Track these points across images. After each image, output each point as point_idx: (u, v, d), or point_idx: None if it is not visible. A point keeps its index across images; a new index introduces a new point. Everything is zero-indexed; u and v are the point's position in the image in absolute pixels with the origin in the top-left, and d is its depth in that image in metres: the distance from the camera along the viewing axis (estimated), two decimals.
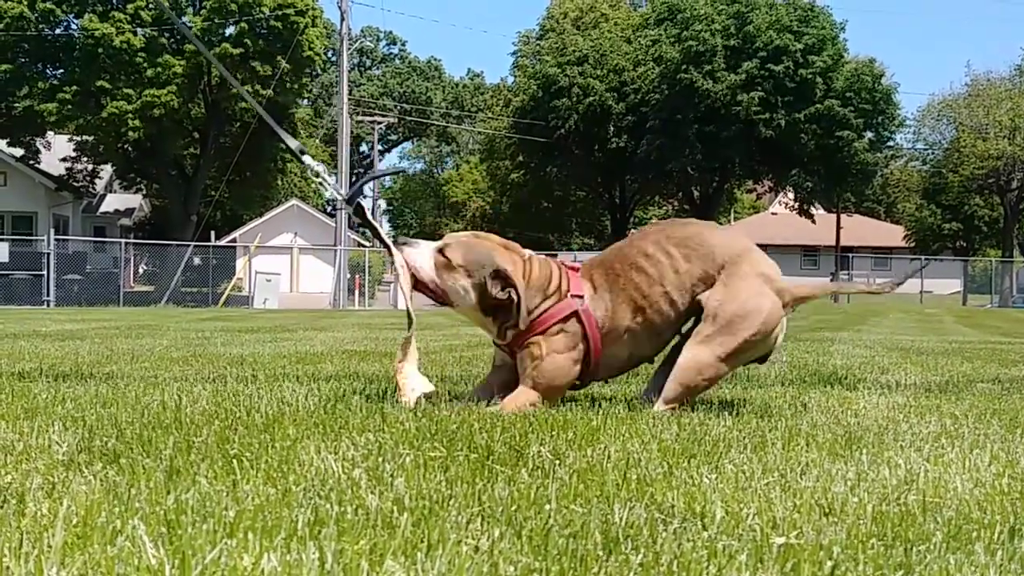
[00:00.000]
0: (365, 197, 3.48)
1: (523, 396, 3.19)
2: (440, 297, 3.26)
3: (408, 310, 3.23)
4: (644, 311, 3.26)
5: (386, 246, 3.26)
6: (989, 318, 20.72)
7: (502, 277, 3.18)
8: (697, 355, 3.20)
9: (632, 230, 50.78)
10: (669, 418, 2.96)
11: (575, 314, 3.22)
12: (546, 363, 3.19)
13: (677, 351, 3.34)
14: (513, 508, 1.74)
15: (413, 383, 3.19)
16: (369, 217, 3.32)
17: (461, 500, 1.79)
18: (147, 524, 1.55)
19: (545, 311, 3.21)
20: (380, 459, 2.16)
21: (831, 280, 30.83)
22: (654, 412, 3.11)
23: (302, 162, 3.54)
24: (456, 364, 5.19)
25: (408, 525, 1.58)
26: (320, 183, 3.56)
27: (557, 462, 2.20)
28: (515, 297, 3.16)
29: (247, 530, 1.51)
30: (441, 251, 3.25)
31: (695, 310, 3.29)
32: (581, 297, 3.25)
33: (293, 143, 3.57)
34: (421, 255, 3.25)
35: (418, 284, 3.25)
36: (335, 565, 1.36)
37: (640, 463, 2.21)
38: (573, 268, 3.35)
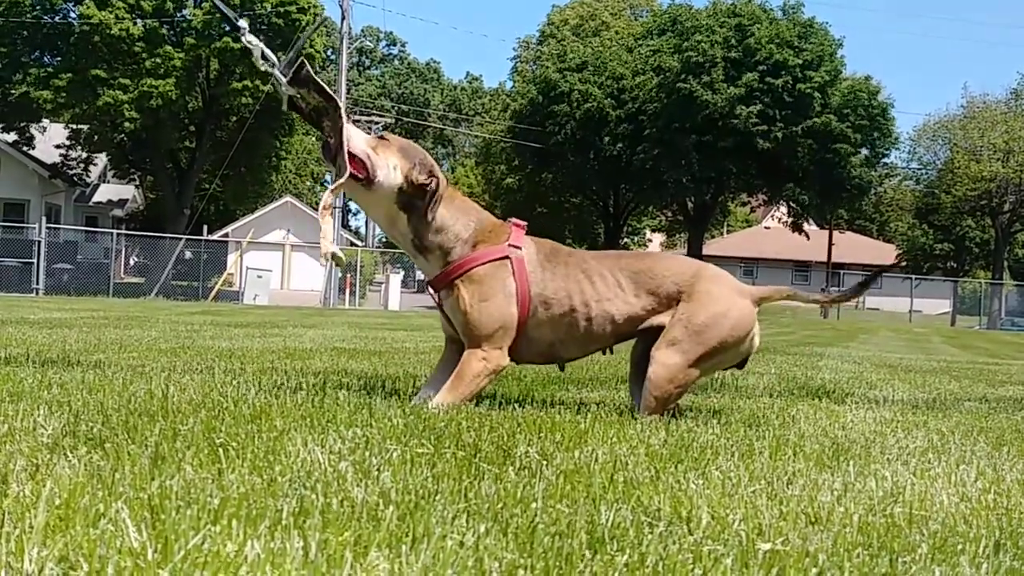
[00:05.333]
0: (301, 61, 3.25)
1: (470, 359, 3.17)
2: (361, 171, 3.16)
3: (344, 161, 3.10)
4: (575, 310, 3.25)
5: (333, 102, 3.14)
6: (977, 339, 20.81)
7: (429, 167, 3.20)
8: (666, 362, 3.19)
9: (625, 240, 50.85)
10: (657, 424, 2.96)
11: (507, 258, 3.22)
12: (475, 312, 3.16)
13: (644, 354, 3.32)
14: (499, 505, 1.73)
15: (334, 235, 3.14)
16: (317, 79, 3.15)
17: (447, 496, 1.78)
18: (131, 508, 1.54)
19: (478, 252, 3.21)
20: (367, 453, 2.15)
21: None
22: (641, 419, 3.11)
23: (238, 29, 3.39)
24: None
25: (393, 518, 1.57)
26: (266, 68, 3.32)
27: (544, 462, 2.20)
28: (435, 186, 3.16)
29: (231, 517, 1.50)
30: (381, 136, 3.28)
31: (638, 334, 3.32)
32: (519, 248, 3.25)
33: (231, 13, 3.50)
34: (358, 130, 3.22)
35: (348, 159, 3.14)
36: (319, 555, 1.36)
37: (627, 466, 2.21)
38: (520, 225, 3.34)
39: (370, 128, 56.54)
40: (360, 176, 3.16)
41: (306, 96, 3.17)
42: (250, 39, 3.35)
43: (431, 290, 3.34)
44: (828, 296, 3.80)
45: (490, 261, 3.20)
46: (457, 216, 3.25)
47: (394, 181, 3.18)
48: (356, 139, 3.17)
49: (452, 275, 3.21)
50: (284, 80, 3.17)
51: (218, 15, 30.92)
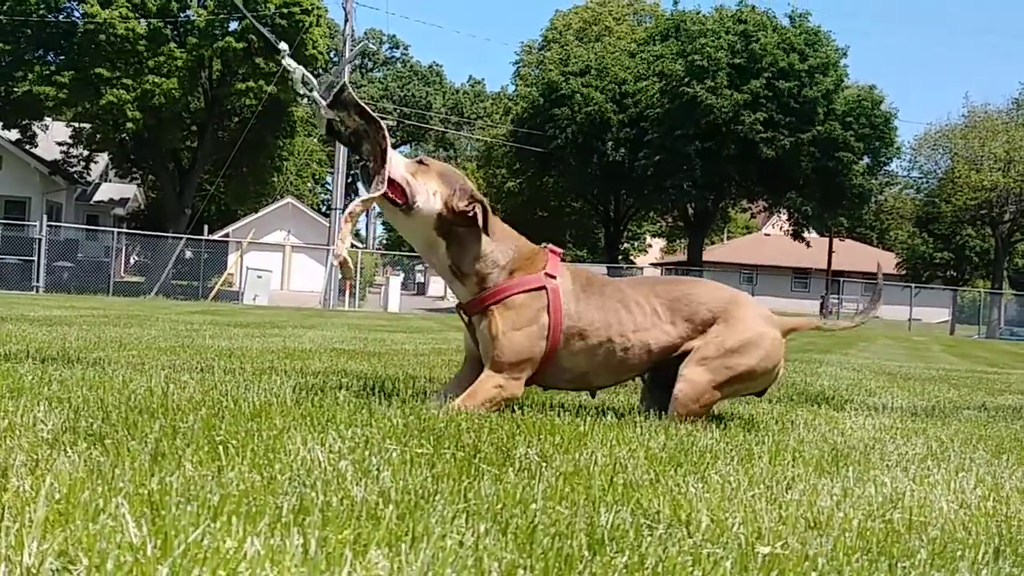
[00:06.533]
0: (343, 83, 3.28)
1: (487, 381, 3.15)
2: (400, 196, 3.15)
3: (381, 178, 3.10)
4: (612, 341, 3.25)
5: (376, 124, 3.13)
6: (976, 348, 20.80)
7: (469, 193, 3.19)
8: (695, 380, 3.20)
9: (625, 245, 50.82)
10: (656, 427, 2.96)
11: (543, 288, 3.21)
12: (505, 339, 3.15)
13: (670, 370, 3.31)
14: (499, 506, 1.73)
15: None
16: (362, 104, 3.15)
17: (447, 496, 1.78)
18: (130, 504, 1.54)
19: (515, 280, 3.20)
20: (366, 452, 2.15)
21: (819, 314, 31.27)
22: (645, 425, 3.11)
23: (278, 52, 3.44)
24: (444, 367, 5.18)
25: (393, 517, 1.57)
26: (305, 92, 3.34)
27: (544, 464, 2.20)
28: (479, 212, 3.15)
29: (231, 514, 1.50)
30: (420, 161, 3.28)
31: (670, 360, 3.30)
32: (555, 278, 3.24)
33: (276, 40, 3.53)
34: (399, 155, 3.22)
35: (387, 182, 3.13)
36: (319, 552, 1.35)
37: (626, 469, 2.21)
38: (556, 252, 3.33)
39: None
40: (399, 202, 3.16)
41: (346, 119, 3.16)
42: (290, 63, 3.38)
43: (462, 313, 3.32)
44: (853, 321, 3.84)
45: (527, 291, 3.20)
46: (495, 242, 3.24)
47: (433, 207, 3.17)
48: (396, 164, 3.16)
49: (487, 301, 3.20)
50: (324, 103, 3.17)
51: (220, 16, 30.97)
